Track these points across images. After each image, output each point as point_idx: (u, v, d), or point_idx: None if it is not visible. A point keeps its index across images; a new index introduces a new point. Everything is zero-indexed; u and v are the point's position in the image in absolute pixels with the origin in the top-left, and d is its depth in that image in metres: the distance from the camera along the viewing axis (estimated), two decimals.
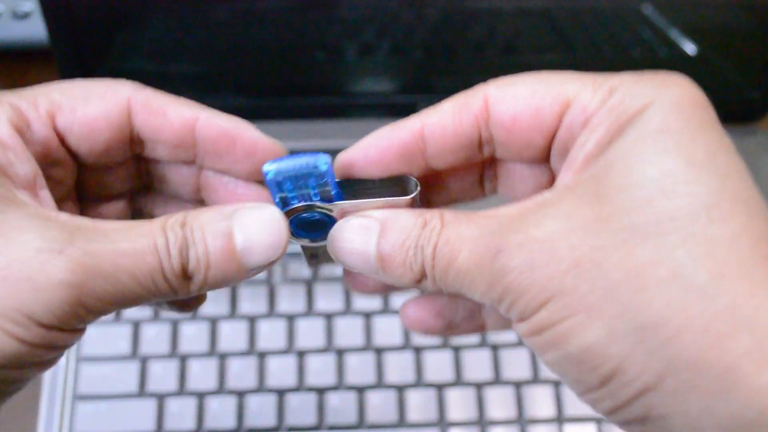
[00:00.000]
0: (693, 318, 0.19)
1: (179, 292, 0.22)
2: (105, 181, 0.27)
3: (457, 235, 0.22)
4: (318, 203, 0.24)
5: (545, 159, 0.24)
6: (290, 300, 0.50)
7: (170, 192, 0.28)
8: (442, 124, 0.24)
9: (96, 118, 0.24)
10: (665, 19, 0.52)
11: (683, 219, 0.19)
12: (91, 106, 0.24)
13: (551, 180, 0.26)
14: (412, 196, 0.24)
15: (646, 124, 0.21)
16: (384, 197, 0.24)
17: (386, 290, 0.28)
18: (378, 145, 0.25)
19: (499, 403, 0.47)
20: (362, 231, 0.24)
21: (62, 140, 0.25)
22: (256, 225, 0.23)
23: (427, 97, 0.56)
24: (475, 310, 0.27)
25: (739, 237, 0.19)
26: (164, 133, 0.25)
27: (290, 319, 0.49)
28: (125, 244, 0.21)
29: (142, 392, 0.47)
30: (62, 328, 0.21)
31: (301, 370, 0.48)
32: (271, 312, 0.49)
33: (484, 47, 0.54)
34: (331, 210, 0.25)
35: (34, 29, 0.57)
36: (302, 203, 0.24)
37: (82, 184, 0.27)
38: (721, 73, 0.55)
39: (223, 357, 0.48)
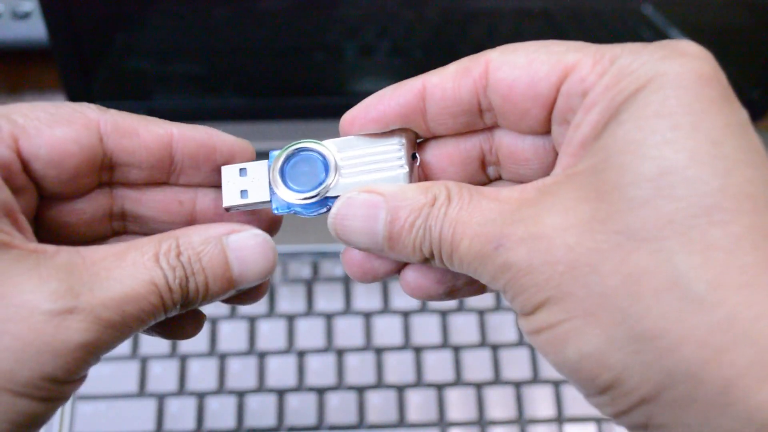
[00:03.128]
0: (691, 329, 0.18)
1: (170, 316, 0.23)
2: (65, 213, 0.25)
3: (459, 219, 0.22)
4: (306, 142, 0.25)
5: (546, 130, 0.23)
6: (290, 300, 0.50)
7: (144, 224, 0.27)
8: (443, 86, 0.24)
9: (66, 141, 0.23)
10: (665, 19, 0.52)
11: (682, 222, 0.18)
12: (59, 129, 0.23)
13: (554, 162, 0.24)
14: (408, 171, 0.24)
15: (644, 107, 0.20)
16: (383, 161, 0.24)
17: (388, 274, 0.27)
18: (379, 103, 0.24)
19: (499, 403, 0.47)
20: (369, 208, 0.23)
21: (25, 166, 0.23)
22: (250, 253, 0.24)
23: None
24: None
25: (742, 239, 0.18)
26: (140, 154, 0.24)
27: (290, 319, 0.49)
28: (127, 285, 0.21)
29: (142, 392, 0.47)
30: (77, 379, 0.22)
31: (301, 370, 0.48)
32: (271, 312, 0.49)
33: (484, 47, 0.54)
34: (319, 145, 0.25)
35: (34, 29, 0.57)
36: (300, 143, 0.25)
37: (40, 218, 0.25)
38: None
39: (223, 357, 0.48)
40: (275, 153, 0.25)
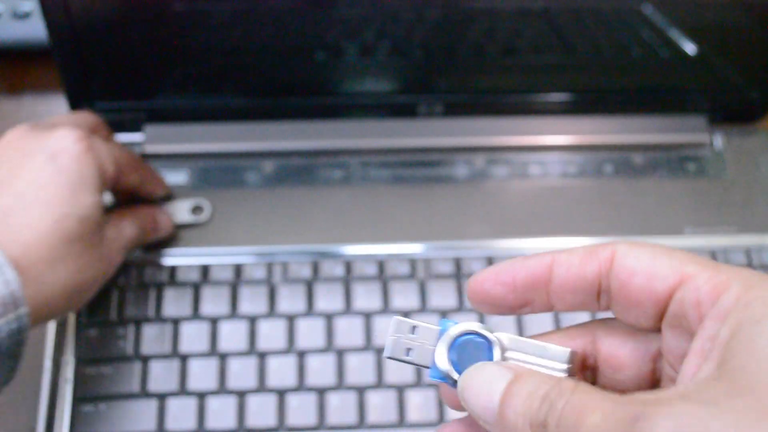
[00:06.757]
0: None
1: None
2: None
3: (590, 398, 0.21)
4: (479, 327, 0.26)
5: (650, 327, 0.25)
6: (290, 300, 0.50)
7: None
8: (570, 262, 0.26)
9: None
10: (665, 19, 0.52)
11: None
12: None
13: (651, 372, 0.26)
14: (569, 366, 0.25)
15: None
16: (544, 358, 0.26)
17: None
18: (510, 269, 0.26)
19: None
20: (493, 376, 0.24)
21: None
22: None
23: (427, 98, 0.56)
24: None
25: None
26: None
27: (290, 319, 0.49)
28: None
29: (142, 392, 0.47)
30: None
31: (301, 370, 0.48)
32: (271, 312, 0.50)
33: (483, 47, 0.54)
34: (491, 334, 0.26)
35: (34, 29, 0.57)
36: (464, 326, 0.26)
37: None
38: (721, 73, 0.55)
39: (223, 357, 0.48)
40: (449, 324, 0.27)
